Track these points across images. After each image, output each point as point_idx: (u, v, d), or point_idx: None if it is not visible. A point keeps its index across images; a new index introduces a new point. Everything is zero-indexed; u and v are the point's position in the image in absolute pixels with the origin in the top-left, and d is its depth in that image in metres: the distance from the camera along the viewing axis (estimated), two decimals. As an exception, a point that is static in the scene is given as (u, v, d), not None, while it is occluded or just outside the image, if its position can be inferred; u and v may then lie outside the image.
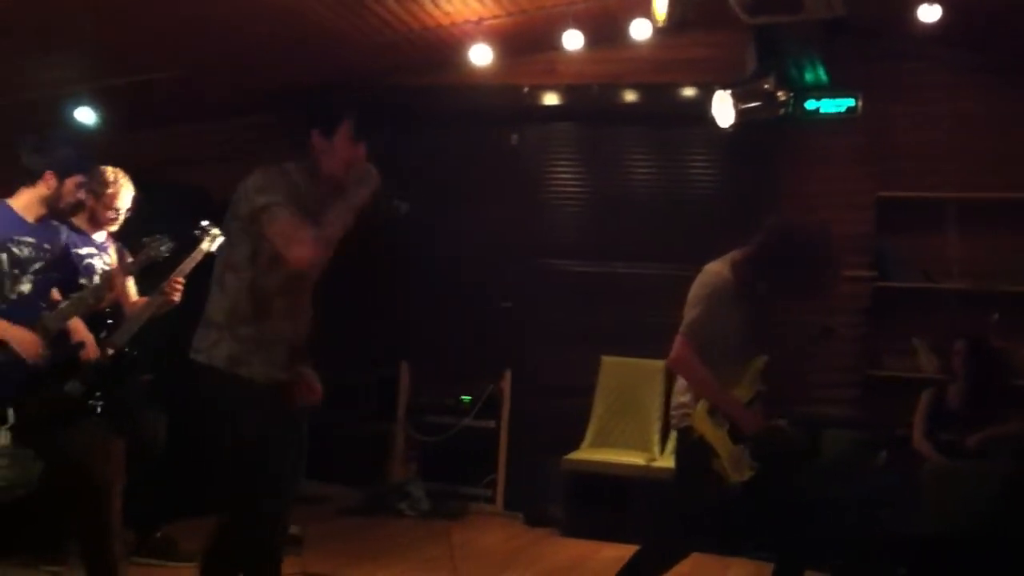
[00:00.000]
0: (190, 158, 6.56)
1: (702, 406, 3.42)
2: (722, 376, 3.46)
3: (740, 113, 5.31)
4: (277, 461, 3.00)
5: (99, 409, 3.64)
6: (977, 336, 5.28)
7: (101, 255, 4.17)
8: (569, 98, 6.37)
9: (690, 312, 3.46)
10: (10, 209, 3.52)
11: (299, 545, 4.44)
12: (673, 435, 3.92)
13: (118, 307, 4.05)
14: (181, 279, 4.08)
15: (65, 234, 3.72)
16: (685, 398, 3.51)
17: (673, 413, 3.61)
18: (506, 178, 6.54)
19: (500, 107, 6.45)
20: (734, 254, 3.55)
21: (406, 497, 6.11)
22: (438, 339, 6.46)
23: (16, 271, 3.45)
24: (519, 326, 6.40)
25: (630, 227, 6.37)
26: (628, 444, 5.98)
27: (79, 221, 4.01)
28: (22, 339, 3.35)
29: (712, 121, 5.41)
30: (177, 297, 4.09)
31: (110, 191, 4.12)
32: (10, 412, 3.30)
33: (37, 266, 3.51)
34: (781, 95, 5.26)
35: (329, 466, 6.03)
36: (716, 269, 3.52)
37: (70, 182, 3.55)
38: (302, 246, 2.85)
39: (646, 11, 5.11)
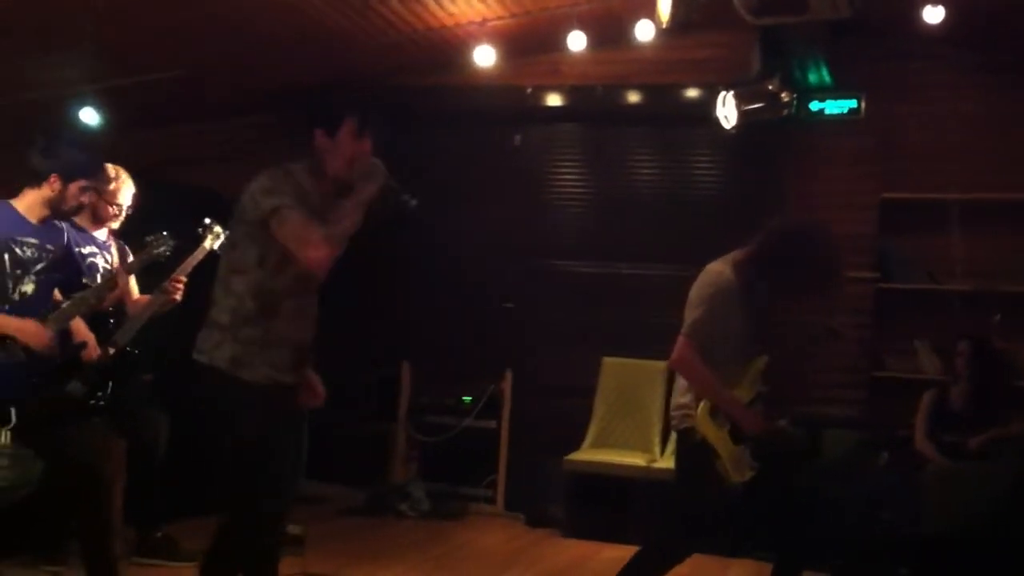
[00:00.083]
0: (191, 158, 6.56)
1: (704, 407, 3.41)
2: (723, 376, 3.45)
3: (744, 114, 5.31)
4: (277, 462, 2.99)
5: (100, 408, 3.64)
6: (980, 337, 5.27)
7: (103, 253, 4.17)
8: (573, 99, 6.37)
9: (692, 312, 3.44)
10: (13, 210, 3.52)
11: (300, 545, 4.43)
12: (673, 436, 3.91)
13: (120, 306, 4.05)
14: (183, 277, 4.08)
15: (67, 233, 3.72)
16: (685, 399, 3.50)
17: (673, 414, 3.60)
18: (509, 179, 6.53)
19: (503, 108, 6.44)
20: (735, 254, 3.54)
21: (407, 498, 6.10)
22: (439, 339, 6.46)
23: (19, 272, 3.45)
24: (520, 326, 6.40)
25: (633, 228, 6.36)
26: (629, 445, 5.98)
27: (80, 218, 4.01)
28: (29, 330, 3.35)
29: (716, 122, 5.40)
30: (179, 296, 4.08)
31: (111, 187, 4.13)
32: (12, 412, 3.29)
33: (40, 267, 3.51)
34: (785, 96, 5.26)
35: (330, 466, 6.02)
36: (718, 269, 3.51)
37: (74, 186, 3.54)
38: (315, 247, 2.83)
39: (650, 12, 5.10)
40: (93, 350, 3.67)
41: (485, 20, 5.62)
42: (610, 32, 5.78)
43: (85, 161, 3.58)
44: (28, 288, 3.47)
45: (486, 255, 6.43)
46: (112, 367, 3.81)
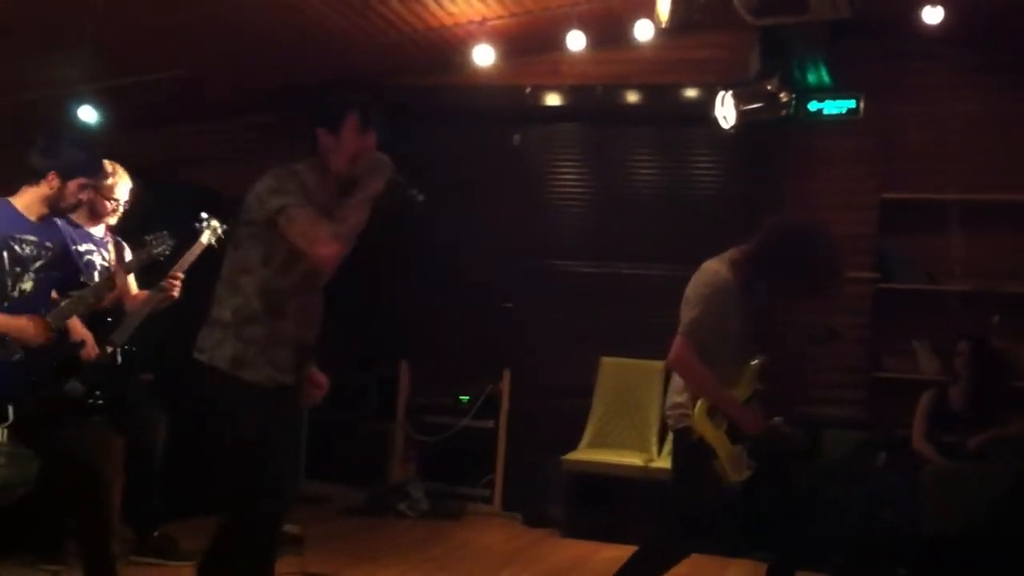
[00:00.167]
0: (191, 158, 6.57)
1: (701, 406, 3.41)
2: (721, 376, 3.44)
3: (742, 114, 5.31)
4: (277, 462, 2.99)
5: (99, 408, 3.64)
6: (979, 337, 5.27)
7: (100, 251, 4.17)
8: (572, 99, 6.37)
9: (689, 312, 3.44)
10: (12, 207, 3.53)
11: (299, 545, 4.44)
12: (670, 435, 3.90)
13: (118, 305, 4.05)
14: (180, 274, 4.08)
15: (64, 231, 3.72)
16: (681, 398, 3.50)
17: (669, 413, 3.59)
18: (508, 179, 6.53)
19: (503, 108, 6.44)
20: (732, 253, 3.53)
21: (405, 497, 6.10)
22: (438, 339, 6.46)
23: (18, 269, 3.46)
24: (519, 326, 6.40)
25: (632, 228, 6.36)
26: (627, 445, 5.98)
27: (78, 215, 4.01)
28: (23, 327, 3.35)
29: (715, 122, 5.40)
30: (176, 292, 4.09)
31: (109, 183, 4.13)
32: (10, 410, 3.29)
33: (39, 264, 3.51)
34: (784, 96, 5.26)
35: (329, 466, 6.04)
36: (715, 268, 3.50)
37: (73, 184, 3.55)
38: (324, 243, 2.83)
39: (650, 12, 5.10)
40: (91, 349, 3.67)
41: (484, 20, 5.62)
42: (610, 32, 5.78)
43: (84, 159, 3.58)
44: (27, 286, 3.47)
45: (485, 255, 6.43)
46: (111, 366, 3.81)
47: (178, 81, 5.49)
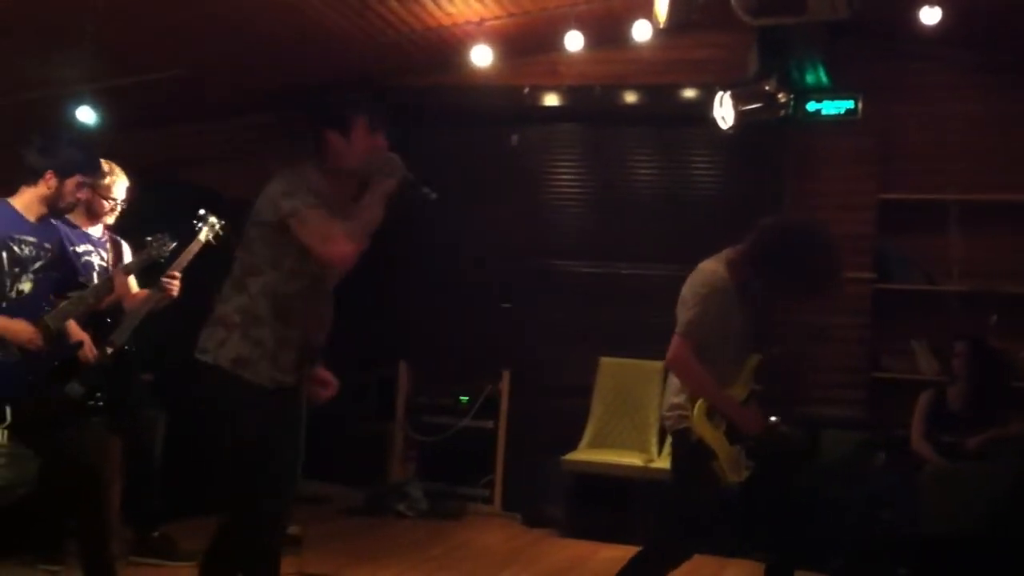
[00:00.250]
0: (191, 158, 6.57)
1: (700, 407, 3.41)
2: (720, 376, 3.45)
3: (741, 114, 5.31)
4: (277, 462, 2.99)
5: (99, 409, 3.64)
6: (978, 338, 5.27)
7: (98, 251, 4.17)
8: (570, 99, 6.37)
9: (687, 312, 3.43)
10: (11, 208, 3.53)
11: (298, 545, 4.44)
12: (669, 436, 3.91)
13: (117, 305, 4.05)
14: (177, 273, 4.07)
15: (62, 232, 3.72)
16: (679, 399, 3.50)
17: (667, 414, 3.58)
18: (507, 179, 6.54)
19: (501, 108, 6.44)
20: (728, 252, 3.53)
21: (404, 497, 6.11)
22: (437, 339, 6.46)
23: (16, 270, 3.46)
24: (518, 326, 6.40)
25: (631, 228, 6.36)
26: (626, 445, 5.98)
27: (75, 215, 4.01)
28: (16, 329, 3.35)
29: (714, 122, 5.40)
30: (175, 291, 4.08)
31: (106, 182, 4.13)
32: (7, 410, 3.29)
33: (38, 265, 3.51)
34: (782, 96, 5.26)
35: (328, 466, 6.02)
36: (711, 268, 3.50)
37: (71, 182, 3.55)
38: (339, 243, 2.81)
39: (648, 12, 5.10)
40: (89, 350, 3.67)
41: (483, 20, 5.62)
42: (608, 32, 5.79)
43: (81, 158, 3.59)
44: (25, 287, 3.47)
45: (484, 255, 6.44)
46: (110, 367, 3.81)
47: (178, 81, 5.50)
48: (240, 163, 6.58)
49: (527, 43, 6.09)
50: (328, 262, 2.89)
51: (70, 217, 3.94)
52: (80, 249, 4.04)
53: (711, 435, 3.43)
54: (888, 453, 5.27)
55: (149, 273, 4.17)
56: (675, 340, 3.44)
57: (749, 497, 3.71)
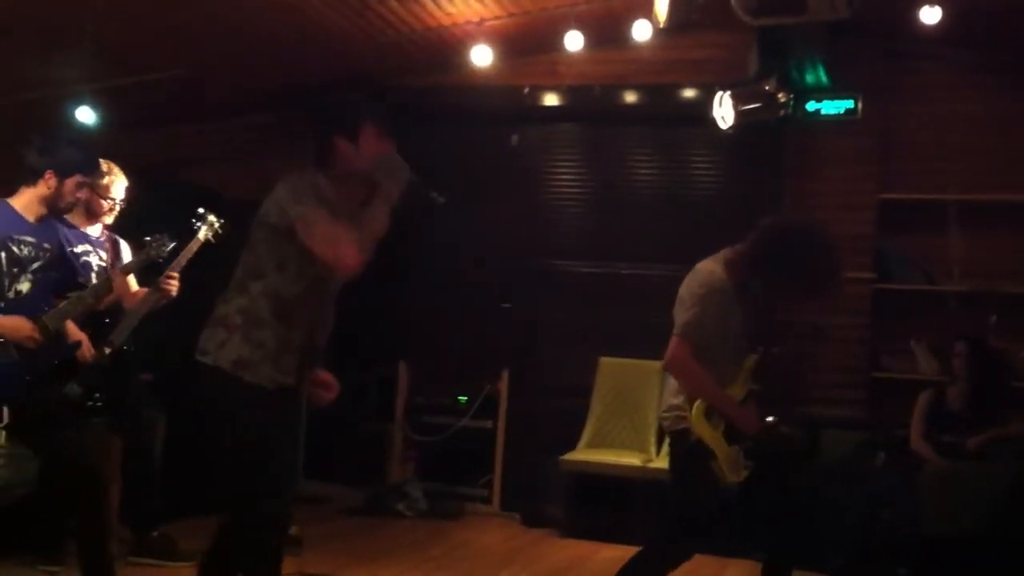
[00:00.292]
0: (191, 158, 6.57)
1: (699, 407, 3.40)
2: (719, 376, 3.44)
3: (741, 114, 5.31)
4: (277, 462, 2.99)
5: (98, 409, 3.64)
6: (977, 338, 5.27)
7: (97, 251, 4.17)
8: (570, 99, 6.37)
9: (685, 313, 3.43)
10: (11, 208, 3.53)
11: (297, 545, 4.44)
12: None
13: (116, 305, 4.04)
14: (175, 273, 4.07)
15: (61, 232, 3.72)
16: (678, 400, 3.49)
17: (665, 415, 3.58)
18: (507, 179, 6.54)
19: (501, 108, 6.44)
20: (726, 252, 3.52)
21: (404, 497, 6.11)
22: (436, 339, 6.46)
23: (15, 270, 3.46)
24: (518, 326, 6.40)
25: (631, 228, 6.36)
26: (625, 445, 5.98)
27: (74, 215, 4.00)
28: (14, 327, 3.35)
29: (714, 122, 5.40)
30: (174, 290, 4.08)
31: (104, 181, 4.13)
32: (5, 411, 3.29)
33: (36, 265, 3.51)
34: (782, 96, 5.26)
35: (328, 466, 6.04)
36: (709, 268, 3.49)
37: (70, 182, 3.55)
38: (346, 252, 2.80)
39: (648, 12, 5.10)
40: (87, 350, 3.67)
41: (483, 20, 5.62)
42: (608, 32, 5.79)
43: (80, 157, 3.59)
44: (24, 287, 3.47)
45: (483, 255, 6.43)
46: (108, 367, 3.81)
47: (178, 81, 5.50)
48: (240, 163, 6.59)
49: (527, 43, 6.09)
50: (334, 268, 2.88)
51: (68, 217, 3.94)
52: (78, 249, 4.04)
53: (710, 435, 3.42)
54: (888, 453, 5.27)
55: (148, 273, 4.16)
56: (673, 341, 3.43)
57: (748, 497, 3.70)
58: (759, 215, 3.63)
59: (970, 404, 5.13)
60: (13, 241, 3.46)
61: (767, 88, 5.21)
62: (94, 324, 3.83)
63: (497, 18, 5.63)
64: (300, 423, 3.16)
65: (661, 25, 4.99)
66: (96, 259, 4.14)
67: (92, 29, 4.47)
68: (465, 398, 6.33)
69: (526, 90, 6.37)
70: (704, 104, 5.53)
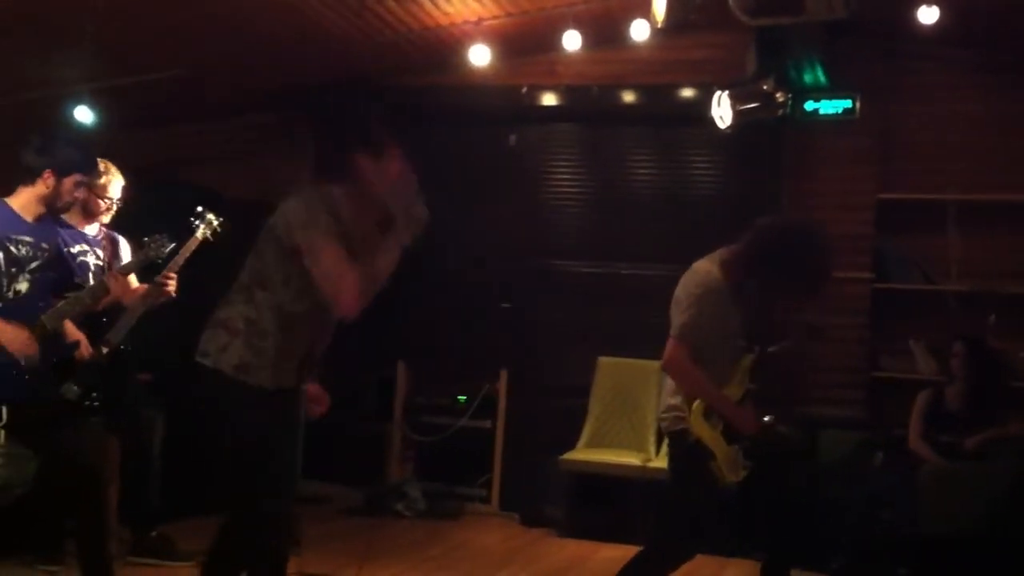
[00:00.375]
0: (191, 158, 6.58)
1: (698, 408, 3.41)
2: (718, 376, 3.45)
3: (739, 114, 5.31)
4: (277, 461, 3.00)
5: (96, 409, 3.64)
6: (975, 338, 5.28)
7: (93, 250, 4.16)
8: (568, 99, 6.37)
9: (681, 314, 3.43)
10: (8, 208, 3.53)
11: (297, 545, 4.44)
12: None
13: (115, 305, 4.04)
14: (173, 274, 4.07)
15: (58, 232, 3.72)
16: (676, 400, 3.49)
17: (663, 416, 3.58)
18: (505, 178, 6.54)
19: (499, 107, 6.44)
20: (722, 252, 3.52)
21: (402, 497, 6.11)
22: (436, 339, 6.46)
23: (14, 270, 3.46)
24: (516, 326, 6.40)
25: (629, 228, 6.36)
26: (624, 444, 5.99)
27: (70, 215, 3.99)
28: (13, 338, 3.35)
29: (712, 122, 5.41)
30: (172, 290, 4.07)
31: (102, 181, 4.13)
32: (3, 411, 3.29)
33: (35, 265, 3.51)
34: (780, 96, 5.27)
35: (327, 466, 6.03)
36: (706, 269, 3.49)
37: (68, 181, 3.55)
38: (347, 293, 2.80)
39: (646, 12, 5.10)
40: (85, 349, 3.68)
41: (481, 19, 5.62)
42: (606, 32, 5.79)
43: (79, 157, 3.59)
44: (23, 286, 3.47)
45: (482, 255, 6.44)
46: (106, 366, 3.81)
47: (178, 81, 5.50)
48: (240, 163, 6.59)
49: (525, 43, 6.09)
50: (335, 310, 2.89)
51: (65, 217, 3.93)
52: (75, 249, 4.03)
53: (709, 435, 3.42)
54: (887, 453, 5.27)
55: (147, 272, 4.16)
56: (670, 343, 3.43)
57: (747, 497, 3.71)
58: (758, 215, 3.63)
59: (968, 404, 5.13)
60: (11, 241, 3.46)
61: (765, 88, 5.22)
62: (91, 324, 3.83)
63: (495, 18, 5.63)
64: (300, 423, 3.16)
65: (659, 25, 4.99)
66: (93, 259, 4.13)
67: (92, 29, 4.47)
68: (464, 398, 6.33)
69: (524, 90, 6.37)
70: (702, 104, 5.53)
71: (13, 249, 3.46)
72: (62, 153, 3.54)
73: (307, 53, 5.76)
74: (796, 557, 3.84)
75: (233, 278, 3.08)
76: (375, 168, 2.92)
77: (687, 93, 6.08)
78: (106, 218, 4.25)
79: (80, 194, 3.68)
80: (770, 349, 3.68)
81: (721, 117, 5.34)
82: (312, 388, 3.12)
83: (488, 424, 6.31)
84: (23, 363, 3.35)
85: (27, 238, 3.50)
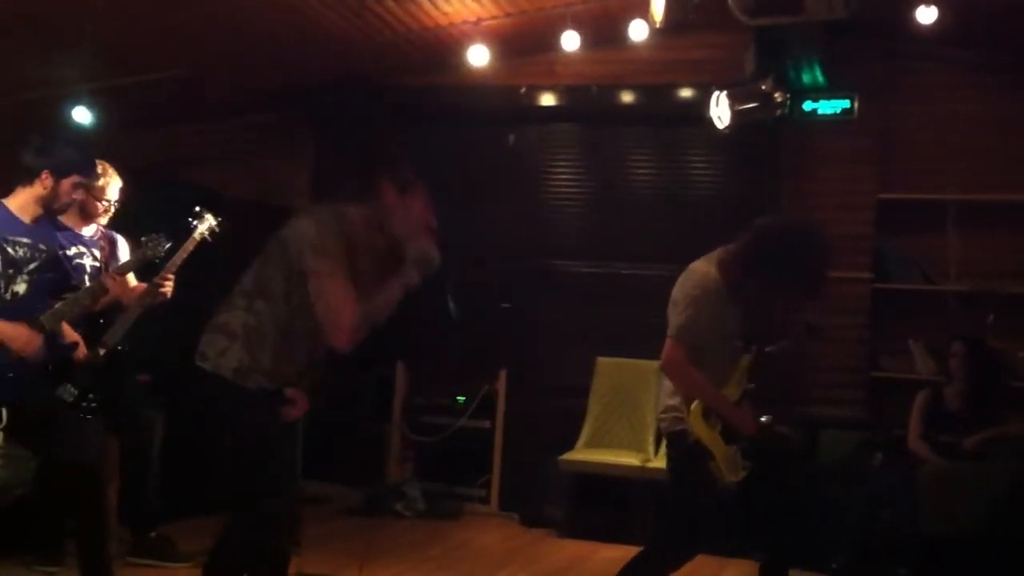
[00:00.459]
0: (191, 158, 6.58)
1: (697, 408, 3.40)
2: (717, 376, 3.45)
3: (738, 114, 5.31)
4: (277, 462, 3.00)
5: (94, 410, 3.64)
6: (975, 338, 5.28)
7: (90, 251, 4.15)
8: (567, 99, 6.37)
9: (679, 315, 3.43)
10: (6, 209, 3.52)
11: (297, 545, 4.44)
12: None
13: (111, 306, 4.04)
14: (170, 275, 4.06)
15: (55, 234, 3.72)
16: (674, 401, 3.50)
17: (662, 416, 3.58)
18: (504, 179, 6.54)
19: (498, 108, 6.44)
20: (719, 252, 3.52)
21: (402, 497, 6.11)
22: (435, 339, 6.45)
23: (11, 271, 3.45)
24: (515, 326, 6.40)
25: (629, 228, 6.37)
26: (623, 444, 5.99)
27: (67, 216, 3.99)
28: (15, 335, 3.35)
29: (711, 122, 5.41)
30: (168, 291, 4.07)
31: (100, 183, 4.12)
32: (3, 412, 3.30)
33: (33, 267, 3.50)
34: (778, 96, 5.27)
35: (327, 466, 6.03)
36: (703, 269, 3.49)
37: (67, 182, 3.55)
38: (344, 328, 2.83)
39: (644, 12, 5.10)
40: (81, 352, 3.67)
41: (479, 20, 5.63)
42: (605, 32, 5.79)
43: (77, 158, 3.59)
44: (20, 288, 3.47)
45: (481, 255, 6.43)
46: (104, 368, 3.81)
47: (178, 81, 5.51)
48: (240, 163, 6.60)
49: (524, 43, 6.09)
50: (330, 341, 2.91)
51: (62, 218, 3.92)
52: (71, 252, 4.02)
53: (708, 436, 3.42)
54: (887, 453, 5.27)
55: (146, 272, 4.16)
56: (668, 343, 3.43)
57: (746, 497, 3.71)
58: (758, 215, 3.63)
59: (968, 404, 5.13)
60: (8, 242, 3.45)
61: (764, 88, 5.22)
62: (89, 325, 3.83)
63: (494, 18, 5.63)
64: (299, 423, 3.16)
65: (658, 25, 4.99)
66: (90, 260, 4.12)
67: (92, 29, 4.47)
68: (463, 398, 6.33)
69: (523, 90, 6.37)
70: (701, 104, 5.53)
71: (11, 251, 3.45)
72: (61, 154, 3.53)
73: (307, 53, 5.76)
74: (796, 557, 3.84)
75: (232, 278, 3.09)
76: (398, 200, 2.96)
77: (686, 93, 6.08)
78: (104, 220, 4.24)
79: (78, 196, 3.68)
80: (768, 349, 3.68)
81: (720, 117, 5.34)
82: (290, 391, 3.12)
83: (487, 424, 6.31)
84: (26, 359, 3.35)
85: (25, 239, 3.49)
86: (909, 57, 5.86)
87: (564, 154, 6.62)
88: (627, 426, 6.05)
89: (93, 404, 3.62)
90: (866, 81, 5.67)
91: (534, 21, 5.73)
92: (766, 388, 3.78)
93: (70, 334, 3.62)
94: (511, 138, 6.53)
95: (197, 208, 4.15)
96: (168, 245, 4.01)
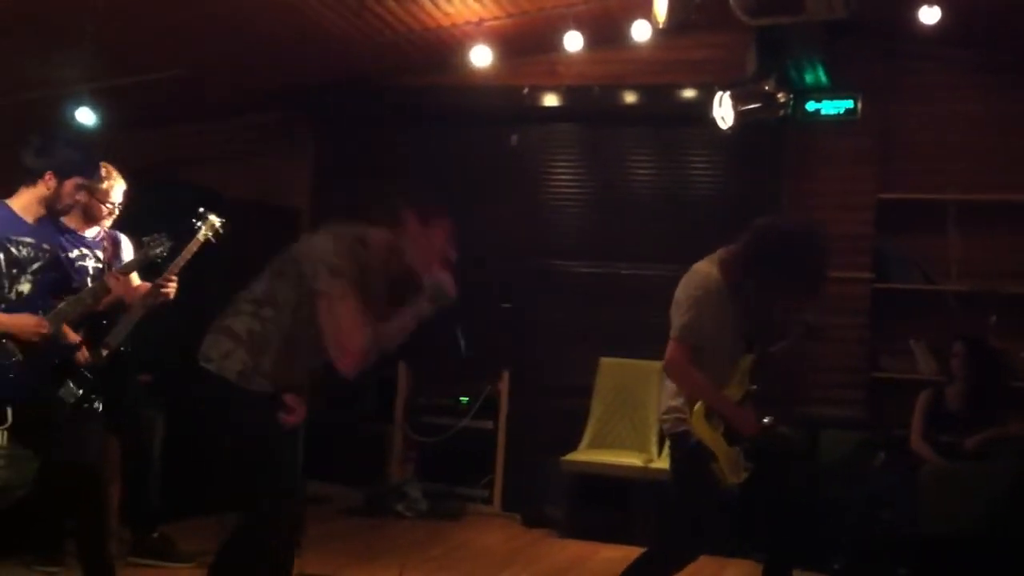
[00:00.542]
0: (191, 158, 6.58)
1: (699, 409, 3.40)
2: (717, 377, 3.44)
3: (740, 114, 5.31)
4: (278, 462, 3.00)
5: (95, 410, 3.64)
6: (976, 338, 5.28)
7: (93, 252, 4.15)
8: (569, 99, 6.36)
9: (681, 316, 3.43)
10: (9, 209, 3.53)
11: (297, 546, 4.43)
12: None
13: (113, 307, 4.04)
14: (173, 277, 4.06)
15: (58, 235, 3.72)
16: (677, 402, 3.49)
17: (665, 417, 3.58)
18: (506, 179, 6.53)
19: (500, 108, 6.44)
20: (721, 253, 3.52)
21: (403, 498, 6.11)
22: (437, 339, 6.44)
23: (15, 271, 3.46)
24: (518, 327, 6.39)
25: (630, 228, 6.36)
26: (626, 445, 5.98)
27: (70, 218, 3.98)
28: (23, 324, 3.36)
29: (713, 122, 5.41)
30: (171, 292, 4.07)
31: (104, 186, 4.12)
32: (8, 412, 3.30)
33: (36, 266, 3.51)
34: (781, 96, 5.27)
35: (328, 466, 6.03)
36: (705, 270, 3.49)
37: (69, 183, 3.55)
38: (350, 352, 2.85)
39: (647, 13, 5.10)
40: (83, 353, 3.67)
41: (481, 20, 5.63)
42: (607, 32, 5.79)
43: (80, 159, 3.59)
44: (24, 288, 3.48)
45: (483, 255, 6.42)
46: (106, 368, 3.81)
47: (178, 81, 5.50)
48: (240, 163, 6.60)
49: (526, 43, 6.09)
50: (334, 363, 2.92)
51: (65, 220, 3.92)
52: (73, 254, 4.01)
53: (710, 437, 3.42)
54: (887, 453, 5.28)
55: (149, 272, 4.16)
56: (671, 344, 3.43)
57: (748, 498, 3.71)
58: (758, 215, 3.63)
59: (969, 404, 5.13)
60: (11, 242, 3.46)
61: (766, 88, 5.22)
62: (91, 325, 3.83)
63: (496, 18, 5.63)
64: (300, 426, 3.16)
65: (660, 25, 4.99)
66: (92, 262, 4.11)
67: (92, 29, 4.47)
68: (466, 398, 6.33)
69: (525, 90, 6.36)
70: (703, 104, 5.53)
71: (14, 250, 3.46)
72: (62, 154, 3.54)
73: (307, 53, 5.76)
74: (797, 557, 3.84)
75: (232, 279, 3.09)
76: (421, 231, 3.01)
77: (688, 93, 6.07)
78: (108, 223, 4.24)
79: (81, 197, 3.68)
80: (770, 349, 3.68)
81: (723, 118, 5.35)
82: (288, 398, 3.12)
83: (489, 424, 6.31)
84: (37, 345, 3.35)
85: (28, 239, 3.50)
86: (909, 57, 5.86)
87: (565, 154, 6.61)
88: (629, 427, 6.05)
89: (96, 404, 3.62)
90: (866, 81, 5.67)
91: (536, 21, 5.73)
92: (767, 388, 3.79)
93: (71, 335, 3.62)
94: (514, 138, 6.52)
95: (200, 209, 4.15)
96: (170, 244, 4.01)
